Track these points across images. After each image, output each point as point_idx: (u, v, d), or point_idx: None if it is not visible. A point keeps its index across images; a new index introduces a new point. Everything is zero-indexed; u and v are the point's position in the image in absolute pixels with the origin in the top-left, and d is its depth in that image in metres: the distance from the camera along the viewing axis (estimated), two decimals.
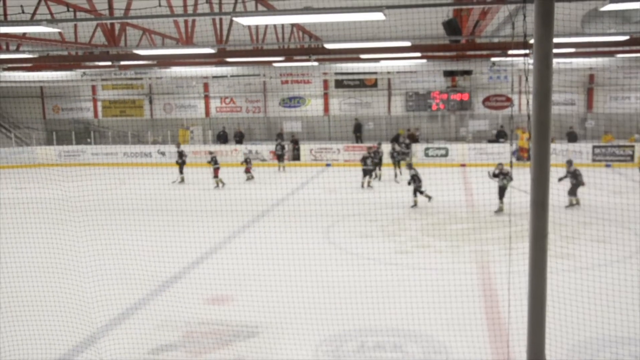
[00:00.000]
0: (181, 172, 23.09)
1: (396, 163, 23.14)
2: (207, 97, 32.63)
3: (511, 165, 12.89)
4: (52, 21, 7.54)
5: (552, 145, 7.73)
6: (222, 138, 30.66)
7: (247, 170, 23.46)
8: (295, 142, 29.27)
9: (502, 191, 16.54)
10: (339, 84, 31.15)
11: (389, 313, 8.94)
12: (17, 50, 15.66)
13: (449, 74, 24.69)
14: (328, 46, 12.95)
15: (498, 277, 10.87)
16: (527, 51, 5.64)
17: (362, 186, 20.93)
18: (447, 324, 8.65)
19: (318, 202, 18.18)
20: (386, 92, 31.06)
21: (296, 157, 28.98)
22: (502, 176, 16.43)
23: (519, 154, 25.44)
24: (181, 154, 23.22)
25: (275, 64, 19.07)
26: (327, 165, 27.72)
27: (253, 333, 9.01)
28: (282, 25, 19.40)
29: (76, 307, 8.98)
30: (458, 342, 8.04)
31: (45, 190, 19.73)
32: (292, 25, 19.57)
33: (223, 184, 21.90)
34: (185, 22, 14.12)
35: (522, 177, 14.85)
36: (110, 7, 11.79)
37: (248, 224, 16.35)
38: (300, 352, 8.00)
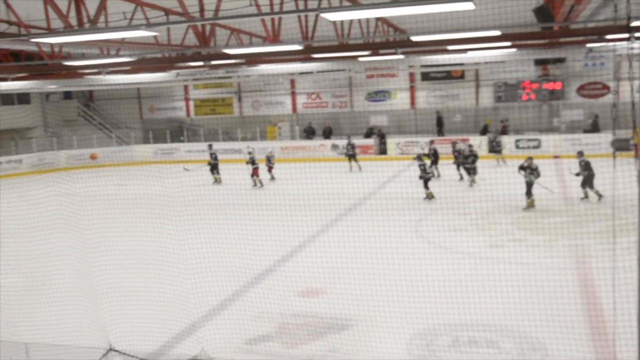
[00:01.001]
0: (216, 173, 23.00)
1: (496, 152, 22.57)
2: (294, 94, 33.06)
3: (614, 156, 12.26)
4: (150, 25, 7.90)
5: None
6: (308, 133, 30.99)
7: (255, 173, 22.04)
8: (382, 136, 29.14)
9: (528, 187, 15.92)
10: (425, 76, 30.69)
11: (482, 308, 8.75)
12: (117, 55, 16.50)
13: (540, 62, 23.79)
14: (415, 39, 12.80)
15: (598, 273, 10.40)
16: (631, 35, 5.36)
17: (470, 184, 19.65)
18: (544, 321, 8.37)
19: (407, 195, 18.06)
20: (474, 83, 30.31)
21: (383, 151, 28.85)
22: (530, 170, 15.78)
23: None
24: (213, 156, 23.26)
25: (360, 59, 19.05)
26: (415, 158, 27.38)
27: (346, 326, 9.10)
28: (367, 19, 19.35)
29: (177, 297, 9.37)
30: (556, 340, 7.76)
31: (144, 186, 20.72)
32: (377, 19, 19.48)
33: (262, 184, 21.80)
34: (272, 20, 14.36)
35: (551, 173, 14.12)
36: (201, 9, 12.18)
37: (338, 217, 16.46)
38: (393, 345, 7.99)
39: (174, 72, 19.59)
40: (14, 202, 21.12)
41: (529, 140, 26.39)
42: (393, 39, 19.16)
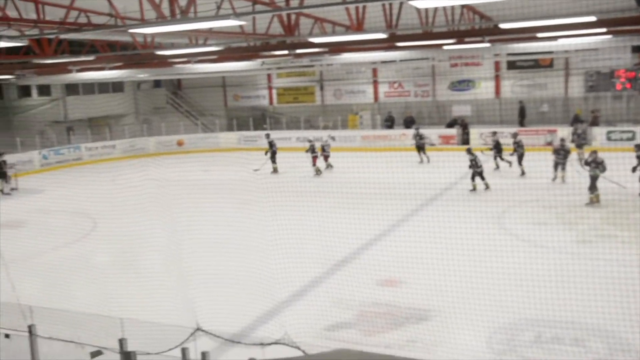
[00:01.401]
0: (274, 161, 23.00)
1: (578, 147, 21.55)
2: (375, 82, 32.91)
3: None
4: (239, 15, 8.09)
5: None
6: (389, 122, 30.80)
7: (314, 162, 22.27)
8: (464, 126, 28.55)
9: (593, 181, 15.19)
10: (512, 65, 29.75)
11: (568, 305, 8.46)
12: (204, 44, 16.98)
13: (637, 49, 22.52)
14: (503, 26, 12.44)
15: None
16: None
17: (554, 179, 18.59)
18: (635, 321, 8.01)
19: (490, 187, 17.69)
20: (563, 72, 29.10)
21: (465, 141, 28.26)
22: (595, 165, 14.92)
23: None
24: (272, 144, 23.28)
25: (445, 47, 18.72)
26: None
27: (425, 317, 9.06)
28: (452, 7, 18.95)
29: (260, 281, 9.63)
30: None
31: (228, 172, 21.32)
32: (463, 6, 19.03)
33: (320, 172, 21.92)
34: (357, 8, 14.33)
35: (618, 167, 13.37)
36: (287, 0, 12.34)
37: (419, 207, 16.33)
38: (473, 338, 7.90)
39: (259, 60, 19.94)
40: (108, 186, 22.27)
41: (622, 132, 25.10)
42: (479, 27, 18.66)
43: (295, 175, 22.13)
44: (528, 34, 15.63)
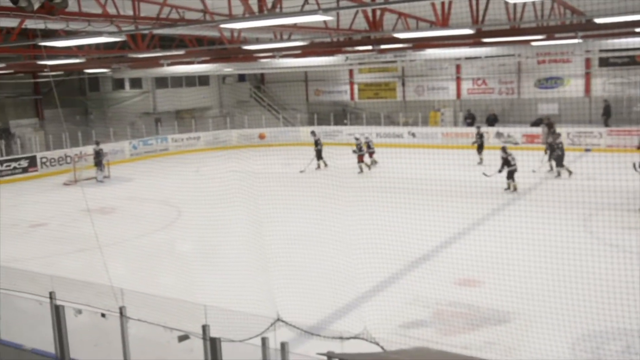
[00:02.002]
0: (319, 158, 23.02)
1: None
2: (458, 79, 32.30)
3: None
4: (326, 10, 8.17)
5: None
6: (469, 120, 30.15)
7: (360, 160, 22.35)
8: (550, 126, 27.54)
9: None
10: (604, 62, 28.41)
11: None
12: (289, 39, 17.23)
13: None
14: (598, 21, 11.92)
15: None
16: None
17: None
18: None
19: (575, 188, 16.99)
20: None
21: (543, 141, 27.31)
22: None
23: None
24: (317, 142, 23.19)
25: (533, 43, 18.12)
26: (587, 150, 25.63)
27: (504, 320, 8.87)
28: (542, 2, 18.31)
29: (338, 274, 9.72)
30: None
31: (309, 166, 21.57)
32: (553, 0, 18.36)
33: (366, 167, 22.22)
34: (442, 4, 14.13)
35: None
36: None
37: (500, 207, 15.97)
38: (556, 344, 7.65)
39: (342, 55, 20.02)
40: (192, 176, 23.05)
41: None
42: (571, 22, 17.95)
43: (373, 172, 22.12)
44: (625, 29, 14.88)
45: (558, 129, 26.90)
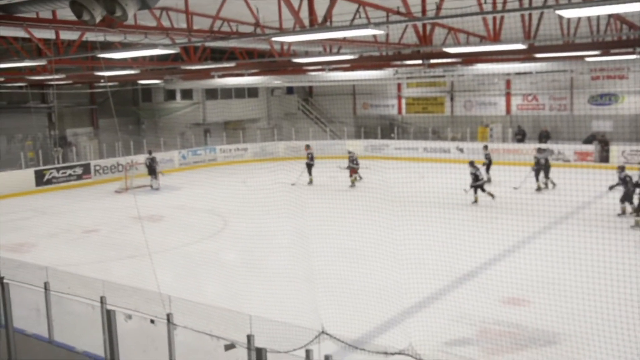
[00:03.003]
0: (309, 172, 23.13)
1: None
2: (508, 95, 31.83)
3: None
4: (378, 24, 8.21)
5: None
6: (519, 136, 29.64)
7: (352, 172, 22.60)
8: (604, 143, 26.86)
9: None
10: None
11: None
12: (338, 52, 17.35)
13: None
14: None
15: None
16: None
17: None
18: None
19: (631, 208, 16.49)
20: None
21: (604, 158, 26.58)
22: None
23: None
24: (310, 156, 23.28)
25: (587, 59, 17.75)
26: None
27: (551, 341, 8.66)
28: (598, 16, 17.92)
29: (383, 289, 9.68)
30: None
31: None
32: (610, 15, 17.96)
33: (358, 179, 22.47)
34: (494, 18, 14.01)
35: None
36: (424, 9, 12.31)
37: (549, 225, 15.62)
38: None
39: (391, 69, 20.03)
40: (239, 187, 23.34)
41: None
42: (627, 37, 17.52)
43: (420, 187, 21.94)
44: None
45: (612, 147, 26.25)
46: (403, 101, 35.37)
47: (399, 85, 34.68)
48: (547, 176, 20.71)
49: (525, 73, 25.34)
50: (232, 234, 15.74)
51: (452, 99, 33.60)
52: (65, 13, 9.07)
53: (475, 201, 18.55)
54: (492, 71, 21.00)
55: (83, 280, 7.91)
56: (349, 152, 23.29)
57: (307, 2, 10.03)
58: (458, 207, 16.36)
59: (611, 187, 16.37)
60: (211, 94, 32.83)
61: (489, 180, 21.73)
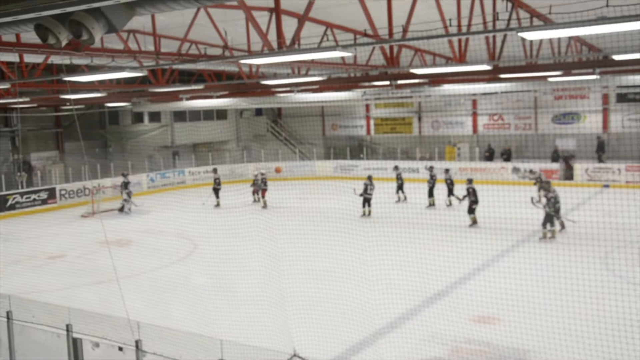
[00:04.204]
0: (217, 196, 23.55)
1: None
2: (474, 114, 32.40)
3: None
4: (345, 47, 8.29)
5: None
6: (488, 153, 30.11)
7: (255, 192, 23.30)
8: (568, 160, 27.45)
9: None
10: (622, 97, 28.38)
11: None
12: (306, 74, 17.44)
13: None
14: (617, 57, 11.96)
15: None
16: None
17: None
18: None
19: (595, 225, 16.79)
20: None
21: (568, 176, 27.15)
22: None
23: None
24: (217, 181, 23.77)
25: (550, 79, 18.20)
26: (605, 186, 25.43)
27: (522, 358, 8.71)
28: (559, 38, 18.42)
29: (354, 309, 9.65)
30: None
31: (324, 201, 21.61)
32: (570, 37, 18.47)
33: (264, 204, 22.43)
34: (459, 40, 14.29)
35: None
36: (390, 31, 12.47)
37: (516, 244, 15.82)
38: None
39: (359, 90, 20.21)
40: (207, 209, 23.15)
41: None
42: (586, 59, 18.01)
43: (390, 207, 22.06)
44: None
45: (576, 165, 26.81)
46: (372, 122, 35.69)
47: (367, 106, 35.00)
48: (450, 194, 21.68)
49: (490, 93, 25.87)
50: (202, 257, 15.56)
51: (419, 119, 34.03)
52: (30, 36, 8.96)
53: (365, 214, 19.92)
54: (458, 91, 21.36)
55: (48, 308, 7.71)
56: (262, 174, 23.56)
57: (275, 24, 10.09)
58: (428, 227, 16.47)
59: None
60: (179, 116, 32.65)
61: (405, 199, 22.67)
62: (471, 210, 17.84)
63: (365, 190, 20.36)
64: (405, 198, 22.79)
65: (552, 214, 16.25)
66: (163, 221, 20.63)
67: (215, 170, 24.77)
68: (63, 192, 25.63)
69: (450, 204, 21.59)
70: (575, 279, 10.71)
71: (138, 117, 32.67)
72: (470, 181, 18.47)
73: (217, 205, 23.34)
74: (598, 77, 16.93)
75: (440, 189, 22.01)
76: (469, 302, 10.78)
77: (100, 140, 32.85)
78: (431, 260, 11.65)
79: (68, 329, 6.80)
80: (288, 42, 10.35)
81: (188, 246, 17.26)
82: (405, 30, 11.66)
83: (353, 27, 14.20)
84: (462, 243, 15.35)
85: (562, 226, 16.98)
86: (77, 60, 13.87)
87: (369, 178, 20.78)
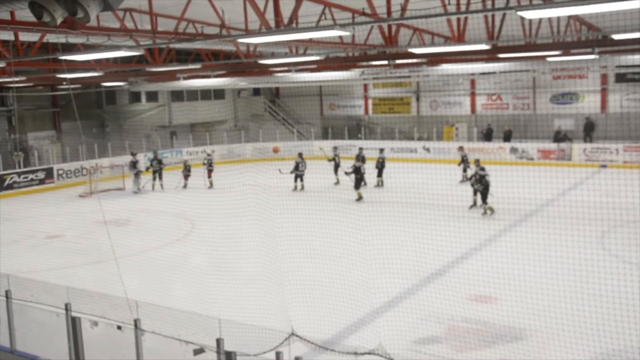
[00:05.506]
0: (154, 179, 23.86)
1: None
2: (473, 94, 32.29)
3: None
4: (343, 25, 8.22)
5: None
6: (487, 136, 30.07)
7: (186, 177, 23.68)
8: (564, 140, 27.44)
9: None
10: (621, 77, 28.27)
11: None
12: (304, 54, 17.34)
13: None
14: (616, 37, 11.88)
15: None
16: None
17: None
18: None
19: (592, 205, 16.84)
20: None
21: (567, 157, 27.17)
22: None
23: None
24: (157, 162, 23.92)
25: (549, 59, 18.08)
26: (603, 166, 25.46)
27: (519, 337, 8.79)
28: (558, 18, 18.29)
29: (351, 289, 9.69)
30: None
31: (321, 180, 21.63)
32: (570, 16, 18.34)
33: (212, 185, 23.31)
34: (458, 19, 14.18)
35: None
36: (389, 10, 12.37)
37: (514, 223, 15.88)
38: None
39: (357, 70, 20.10)
40: (205, 189, 23.14)
41: None
42: (585, 38, 17.90)
43: (390, 186, 22.08)
44: None
45: (574, 145, 26.78)
46: (370, 102, 35.56)
47: (365, 85, 34.85)
48: (379, 175, 22.26)
49: (489, 73, 25.66)
50: (200, 237, 15.60)
51: (418, 99, 33.91)
52: (25, 14, 8.87)
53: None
54: (456, 71, 21.22)
55: (47, 287, 7.75)
56: (208, 154, 24.55)
57: (273, 3, 10.00)
58: (425, 207, 16.49)
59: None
60: (177, 95, 32.48)
61: (382, 184, 22.59)
62: (484, 198, 17.48)
63: (297, 167, 22.07)
64: (382, 183, 22.57)
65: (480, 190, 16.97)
66: (161, 201, 20.64)
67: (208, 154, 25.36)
68: (60, 172, 25.59)
69: (381, 185, 22.27)
70: (571, 259, 10.79)
71: (135, 97, 32.49)
72: (478, 165, 17.85)
73: (185, 186, 23.84)
74: (597, 56, 16.81)
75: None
76: (465, 281, 10.84)
77: (97, 120, 32.70)
78: (428, 239, 11.68)
79: (67, 308, 6.83)
80: (286, 20, 10.27)
81: (186, 226, 17.30)
82: (403, 9, 11.54)
83: (351, 6, 14.04)
84: (459, 222, 15.42)
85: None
86: (73, 39, 13.75)
87: (300, 155, 22.43)
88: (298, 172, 21.99)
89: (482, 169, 17.47)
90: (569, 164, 26.15)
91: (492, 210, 16.94)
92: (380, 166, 22.45)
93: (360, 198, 19.55)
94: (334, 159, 22.93)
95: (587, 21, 19.20)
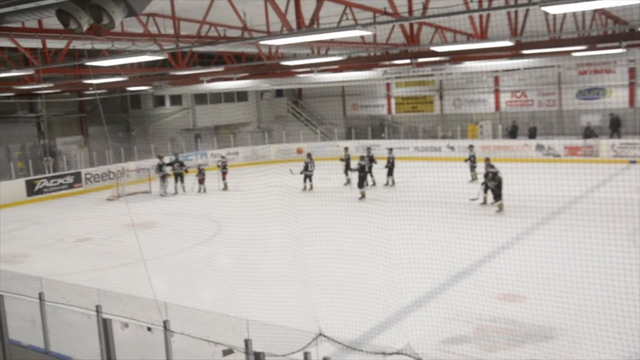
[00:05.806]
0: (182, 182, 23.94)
1: None
2: (497, 91, 31.99)
3: None
4: (365, 25, 8.22)
5: None
6: (512, 133, 29.76)
7: (201, 181, 23.60)
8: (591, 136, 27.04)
9: None
10: None
11: None
12: (326, 54, 17.35)
13: None
14: None
15: None
16: None
17: None
18: None
19: (622, 202, 16.57)
20: None
21: (595, 153, 26.77)
22: None
23: None
24: (177, 165, 23.92)
25: (574, 54, 17.84)
26: (632, 162, 25.03)
27: (548, 336, 8.68)
28: (583, 12, 18.03)
29: (379, 290, 9.67)
30: None
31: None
32: (595, 10, 18.07)
33: (226, 187, 23.66)
34: (480, 16, 14.07)
35: None
36: (410, 9, 12.33)
37: (542, 221, 15.69)
38: None
39: (379, 70, 20.06)
40: (231, 191, 23.30)
41: None
42: (612, 32, 17.62)
43: (412, 186, 21.98)
44: None
45: (602, 141, 26.37)
46: (392, 101, 35.44)
47: (387, 85, 34.75)
48: (389, 174, 22.20)
49: (513, 70, 25.49)
50: (226, 238, 15.70)
51: (441, 98, 33.71)
52: (52, 22, 9.03)
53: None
54: (480, 69, 21.06)
55: (77, 289, 7.86)
56: (222, 157, 24.79)
57: (294, 4, 10.04)
58: (451, 205, 16.41)
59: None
60: (200, 98, 32.75)
61: (393, 183, 22.39)
62: (497, 196, 17.35)
63: (306, 168, 22.25)
64: (393, 182, 22.39)
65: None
66: (187, 203, 20.83)
67: (223, 157, 25.59)
68: (88, 176, 25.98)
69: (392, 184, 22.16)
70: (602, 257, 10.62)
71: (159, 101, 32.84)
72: (488, 163, 17.80)
73: (204, 190, 23.87)
74: (624, 50, 16.54)
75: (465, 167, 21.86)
76: (493, 280, 10.73)
77: (123, 124, 33.12)
78: (455, 238, 11.61)
79: (98, 310, 6.93)
80: (307, 22, 10.30)
81: (212, 227, 17.43)
82: (425, 7, 11.50)
83: (372, 6, 14.02)
84: (486, 221, 15.28)
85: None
86: (98, 45, 13.97)
87: (309, 156, 22.63)
88: (307, 173, 22.21)
89: (492, 166, 17.41)
90: (597, 160, 25.76)
91: (501, 207, 16.96)
92: (391, 166, 22.32)
93: (362, 197, 19.56)
94: (346, 160, 23.04)
95: (614, 14, 18.89)
